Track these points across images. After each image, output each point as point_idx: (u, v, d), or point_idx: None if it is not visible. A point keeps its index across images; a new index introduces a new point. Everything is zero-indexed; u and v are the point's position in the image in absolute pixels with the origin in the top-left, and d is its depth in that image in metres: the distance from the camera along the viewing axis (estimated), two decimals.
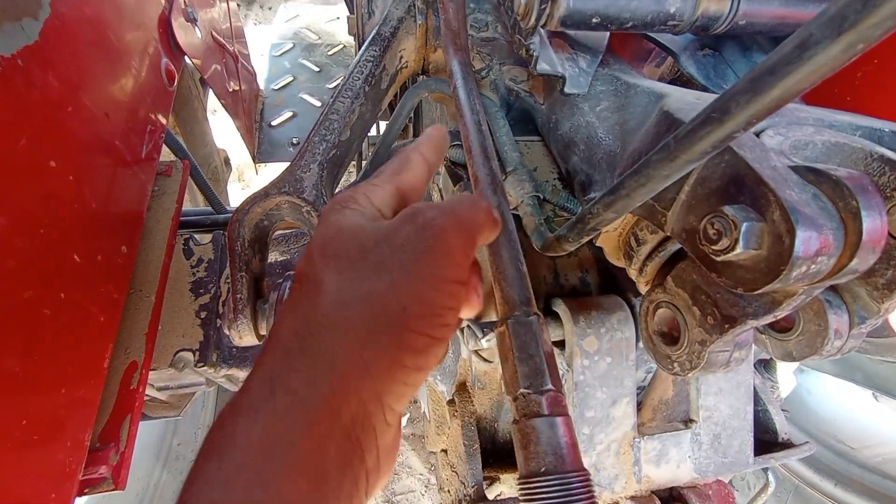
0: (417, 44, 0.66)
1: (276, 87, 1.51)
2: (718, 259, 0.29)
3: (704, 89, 0.54)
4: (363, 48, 0.60)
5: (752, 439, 0.58)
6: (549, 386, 0.35)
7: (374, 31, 0.61)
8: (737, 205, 0.28)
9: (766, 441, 0.64)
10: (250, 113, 1.39)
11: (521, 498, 0.34)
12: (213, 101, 1.44)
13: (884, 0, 0.17)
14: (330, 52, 1.63)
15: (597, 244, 0.51)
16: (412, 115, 1.02)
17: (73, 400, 0.50)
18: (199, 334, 0.69)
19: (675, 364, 0.39)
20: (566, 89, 0.50)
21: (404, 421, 1.75)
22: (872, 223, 0.25)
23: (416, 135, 1.06)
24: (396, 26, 0.62)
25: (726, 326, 0.34)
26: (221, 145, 1.54)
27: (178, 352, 0.67)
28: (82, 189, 0.52)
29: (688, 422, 0.56)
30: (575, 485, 0.32)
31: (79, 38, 0.53)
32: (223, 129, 1.57)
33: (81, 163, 0.52)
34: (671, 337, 0.41)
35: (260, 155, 1.34)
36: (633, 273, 0.48)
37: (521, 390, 0.35)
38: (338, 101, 0.56)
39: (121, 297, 0.60)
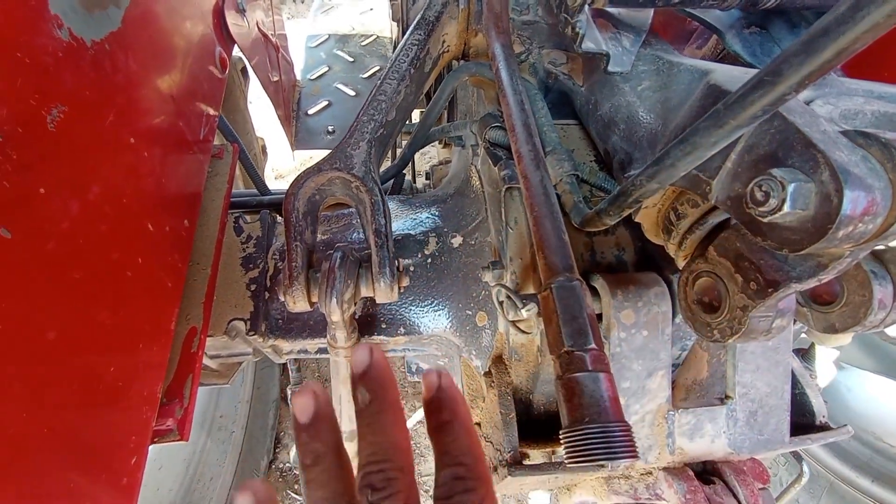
0: (459, 28, 0.68)
1: (312, 78, 1.56)
2: (765, 220, 0.30)
3: (750, 66, 0.54)
4: (409, 32, 0.63)
5: (788, 419, 0.58)
6: (593, 344, 0.37)
7: (420, 16, 0.64)
8: (785, 167, 0.29)
9: (804, 424, 0.64)
10: (289, 102, 1.44)
11: (564, 448, 0.36)
12: (250, 92, 1.51)
13: None
14: (364, 43, 1.67)
15: (636, 220, 0.52)
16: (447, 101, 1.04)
17: (149, 356, 0.55)
18: (249, 305, 0.73)
19: (716, 331, 0.41)
20: (610, 67, 0.51)
21: None
22: None
23: (450, 120, 1.08)
24: (441, 11, 0.65)
25: (770, 291, 0.35)
26: (259, 134, 1.60)
27: (231, 321, 0.72)
28: (155, 165, 0.56)
29: (724, 398, 0.57)
30: (617, 434, 0.34)
31: (151, 26, 0.57)
32: (260, 119, 1.63)
33: (154, 141, 0.56)
34: (711, 306, 0.42)
35: (298, 143, 1.39)
36: (671, 248, 0.49)
37: (566, 348, 0.37)
38: (385, 83, 0.59)
39: (184, 266, 0.65)
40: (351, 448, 0.75)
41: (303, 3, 3.03)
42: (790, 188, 0.28)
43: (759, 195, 0.30)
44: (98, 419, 0.47)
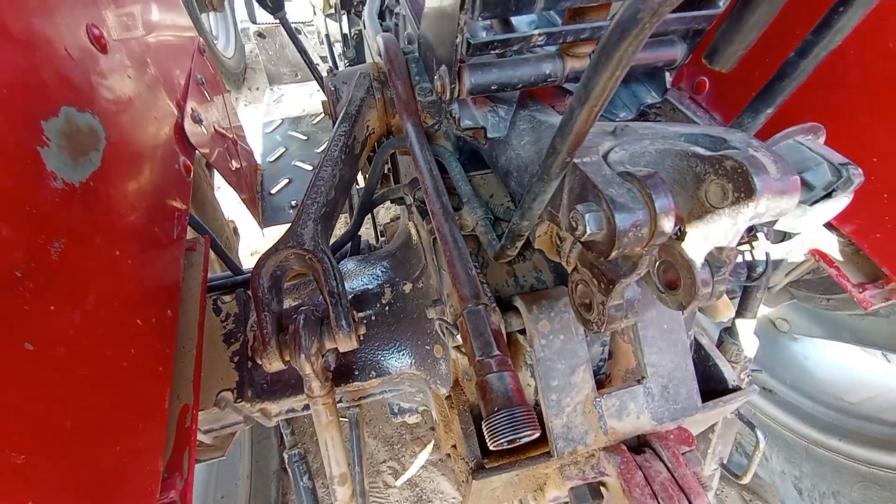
0: (379, 114, 0.84)
1: (272, 160, 1.71)
2: (583, 240, 0.43)
3: (604, 116, 0.70)
4: (336, 125, 0.77)
5: (696, 387, 0.69)
6: (497, 352, 0.48)
7: (344, 111, 0.78)
8: (585, 202, 0.43)
9: (719, 390, 0.75)
10: (252, 186, 1.58)
11: (486, 436, 0.46)
12: (217, 179, 1.64)
13: (591, 90, 0.32)
14: (314, 122, 1.85)
15: (536, 247, 0.65)
16: (390, 164, 1.19)
17: (148, 435, 0.64)
18: (235, 376, 0.82)
19: (594, 325, 0.52)
20: (489, 135, 0.66)
21: (429, 448, 1.84)
22: (661, 202, 0.39)
23: (396, 181, 1.23)
24: (360, 104, 0.80)
25: (611, 286, 0.47)
26: (230, 217, 1.73)
27: (219, 392, 0.81)
28: (138, 269, 0.67)
29: (640, 379, 0.68)
30: (520, 416, 0.45)
31: (124, 157, 0.70)
32: (230, 202, 1.76)
33: (136, 250, 0.68)
34: (588, 306, 0.54)
35: (265, 221, 1.52)
36: (564, 265, 0.61)
37: (477, 358, 0.48)
38: (322, 170, 0.72)
39: (171, 351, 0.74)
40: (340, 492, 0.83)
41: (258, 89, 3.26)
42: (587, 217, 0.41)
43: (573, 223, 0.43)
44: (107, 496, 0.54)
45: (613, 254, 0.41)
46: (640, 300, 0.51)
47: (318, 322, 0.65)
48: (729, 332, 0.97)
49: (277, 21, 1.30)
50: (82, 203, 0.58)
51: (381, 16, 1.14)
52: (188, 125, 1.01)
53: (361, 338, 0.66)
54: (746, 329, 0.97)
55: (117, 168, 0.67)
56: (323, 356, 0.66)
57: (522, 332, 0.66)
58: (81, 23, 0.69)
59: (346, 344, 0.64)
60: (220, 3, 3.09)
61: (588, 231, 0.41)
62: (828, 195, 0.56)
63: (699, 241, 0.47)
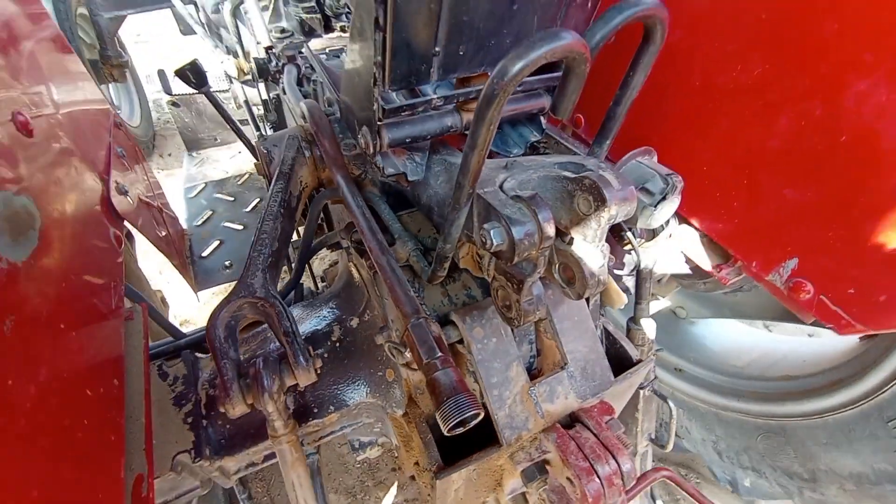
0: (310, 170, 0.93)
1: (199, 224, 1.70)
2: (493, 251, 0.56)
3: (497, 154, 0.86)
4: (272, 184, 0.86)
5: (608, 365, 0.84)
6: (439, 353, 0.58)
7: (277, 171, 0.87)
8: (490, 222, 0.55)
9: (627, 365, 0.91)
10: (181, 251, 1.56)
11: (441, 423, 0.55)
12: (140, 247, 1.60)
13: (476, 139, 0.45)
14: (240, 182, 1.88)
15: (461, 267, 0.77)
16: (323, 215, 1.27)
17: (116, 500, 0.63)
18: (190, 436, 0.82)
19: (515, 321, 0.64)
20: (409, 178, 0.78)
21: (392, 491, 1.82)
22: (543, 214, 0.53)
23: (330, 229, 1.31)
24: (292, 163, 0.89)
25: (520, 286, 0.60)
26: (155, 287, 1.67)
27: (175, 455, 0.80)
28: (82, 342, 0.68)
29: (563, 366, 0.81)
30: (465, 401, 0.54)
31: (59, 234, 0.72)
32: (152, 272, 1.70)
33: (78, 323, 0.69)
34: (509, 306, 0.66)
35: (198, 284, 1.50)
36: (485, 276, 0.74)
37: (424, 361, 0.58)
38: (264, 224, 0.79)
39: (122, 421, 0.74)
40: None
41: (170, 155, 3.18)
42: (492, 233, 0.54)
43: (483, 240, 0.56)
44: None
45: (516, 259, 0.54)
46: (552, 298, 0.64)
47: (276, 362, 0.70)
48: (633, 320, 1.16)
49: (195, 91, 1.36)
50: (27, 280, 0.60)
51: (300, 83, 1.25)
52: (114, 197, 1.02)
53: (318, 371, 0.72)
54: (646, 316, 1.15)
55: (54, 244, 0.69)
56: (285, 394, 0.71)
57: (461, 342, 0.77)
58: (8, 111, 0.72)
59: (306, 377, 0.70)
60: (121, 75, 3.03)
61: (495, 243, 0.54)
62: (663, 198, 0.74)
63: (581, 243, 0.62)
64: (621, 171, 0.78)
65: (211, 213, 1.73)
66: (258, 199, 1.80)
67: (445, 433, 0.54)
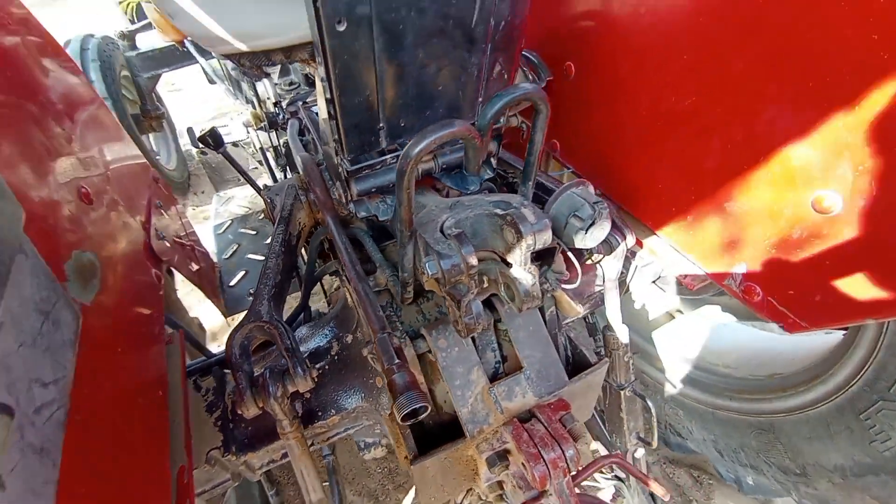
0: (306, 212, 1.12)
1: (227, 257, 1.94)
2: (432, 278, 0.71)
3: (456, 191, 1.02)
4: (275, 227, 1.05)
5: (562, 367, 0.96)
6: (397, 360, 0.74)
7: (279, 215, 1.06)
8: (427, 256, 0.71)
9: (585, 367, 1.03)
10: (213, 282, 1.79)
11: (396, 413, 0.70)
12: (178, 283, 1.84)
13: (400, 198, 0.61)
14: (261, 217, 2.11)
15: (427, 289, 0.92)
16: (329, 244, 1.46)
17: (160, 492, 0.82)
18: (219, 437, 1.01)
19: (461, 332, 0.79)
20: (380, 219, 0.95)
21: (411, 494, 1.96)
22: (465, 249, 0.69)
23: (334, 257, 1.49)
24: (290, 208, 1.08)
25: (458, 304, 0.75)
26: (193, 315, 1.91)
27: (208, 451, 0.98)
28: (135, 362, 0.88)
29: (520, 369, 0.94)
30: (415, 395, 0.70)
31: (114, 278, 0.93)
32: (192, 302, 1.95)
33: (131, 347, 0.89)
34: (456, 321, 0.81)
35: (228, 310, 1.72)
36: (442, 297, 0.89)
37: (385, 367, 0.74)
38: (268, 261, 0.98)
39: (166, 423, 0.93)
40: None
41: (203, 192, 3.51)
42: (428, 265, 0.70)
43: (422, 270, 0.71)
44: None
45: (448, 284, 0.70)
46: (509, 312, 0.79)
47: (280, 373, 0.88)
48: (607, 328, 1.27)
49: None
50: (93, 316, 0.81)
51: (301, 133, 1.46)
52: (154, 242, 1.25)
53: (316, 379, 0.89)
54: (616, 322, 1.27)
55: (110, 287, 0.90)
56: (288, 398, 0.89)
57: (429, 352, 0.92)
58: (74, 187, 0.95)
59: (304, 385, 0.87)
60: (158, 125, 3.40)
61: (430, 273, 0.70)
62: (592, 223, 0.88)
63: (515, 267, 0.77)
64: (557, 200, 0.92)
65: (237, 246, 1.96)
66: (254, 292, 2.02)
67: (400, 421, 0.70)
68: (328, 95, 0.66)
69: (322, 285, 1.79)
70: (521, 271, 0.78)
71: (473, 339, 0.94)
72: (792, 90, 0.89)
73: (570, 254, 0.96)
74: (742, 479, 1.68)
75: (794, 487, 1.47)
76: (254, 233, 2.03)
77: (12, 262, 0.36)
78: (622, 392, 1.38)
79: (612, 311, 1.26)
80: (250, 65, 0.82)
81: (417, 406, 0.69)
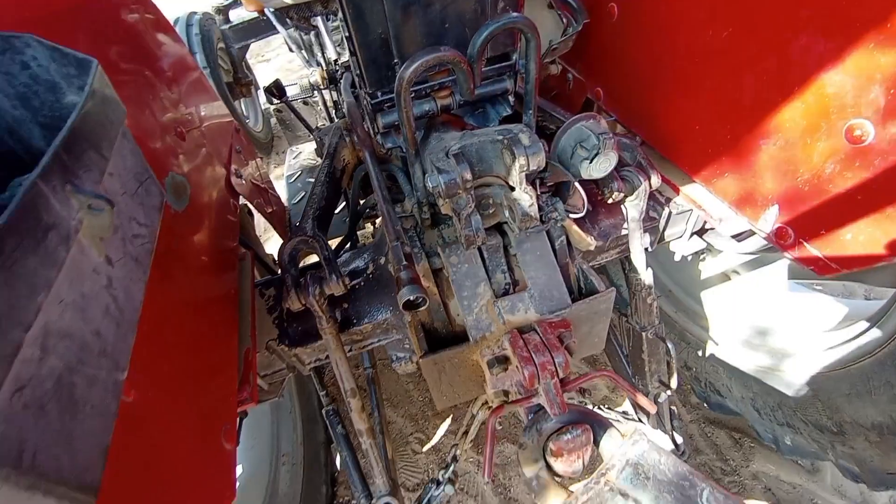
0: (350, 150, 1.28)
1: (295, 202, 2.21)
2: (433, 192, 0.83)
3: (476, 127, 1.11)
4: (322, 161, 1.22)
5: (565, 290, 1.04)
6: (405, 262, 0.88)
7: (325, 152, 1.23)
8: (430, 173, 0.83)
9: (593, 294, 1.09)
10: (283, 221, 2.07)
11: (399, 301, 0.85)
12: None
13: (401, 120, 0.73)
14: None
15: (443, 213, 1.04)
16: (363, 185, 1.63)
17: (233, 362, 1.06)
18: (276, 332, 1.24)
19: (463, 245, 0.91)
20: (404, 150, 1.08)
21: (448, 421, 2.16)
22: (462, 166, 0.79)
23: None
24: (335, 146, 1.25)
25: (459, 217, 0.86)
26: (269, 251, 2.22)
27: (267, 341, 1.23)
28: (218, 262, 1.12)
29: (525, 288, 1.04)
30: (416, 288, 0.83)
31: (201, 198, 1.17)
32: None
33: (214, 251, 1.13)
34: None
35: None
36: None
37: (395, 266, 0.88)
38: (315, 188, 1.16)
39: (237, 316, 1.18)
40: (353, 403, 1.25)
41: (283, 152, 3.90)
42: (429, 179, 0.81)
43: (428, 185, 0.83)
44: (215, 396, 0.96)
45: (448, 197, 0.81)
46: (518, 237, 0.90)
47: (319, 278, 1.07)
48: (631, 269, 1.31)
49: (280, 101, 1.81)
50: (185, 221, 1.04)
51: (354, 86, 1.62)
52: (233, 179, 1.50)
53: (347, 286, 1.07)
54: (640, 264, 1.30)
55: (197, 204, 1.14)
56: (325, 299, 1.08)
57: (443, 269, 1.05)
58: (173, 127, 1.19)
59: (336, 288, 1.06)
60: (248, 91, 3.80)
61: (431, 185, 0.81)
62: (597, 154, 0.93)
63: (517, 189, 0.87)
64: (565, 133, 0.98)
65: (304, 193, 2.22)
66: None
67: (402, 309, 0.84)
68: (346, 33, 0.78)
69: (374, 225, 1.99)
70: (520, 193, 0.88)
71: (483, 260, 1.05)
72: (825, 14, 0.84)
73: (576, 184, 1.02)
74: (780, 438, 1.64)
75: (830, 447, 1.42)
76: None
77: (118, 137, 0.55)
78: (644, 334, 1.42)
79: (636, 253, 1.29)
80: (297, 17, 0.97)
81: (417, 296, 0.83)
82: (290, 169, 2.41)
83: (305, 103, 2.41)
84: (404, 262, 0.87)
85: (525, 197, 0.87)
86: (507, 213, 0.94)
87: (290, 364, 1.30)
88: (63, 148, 0.40)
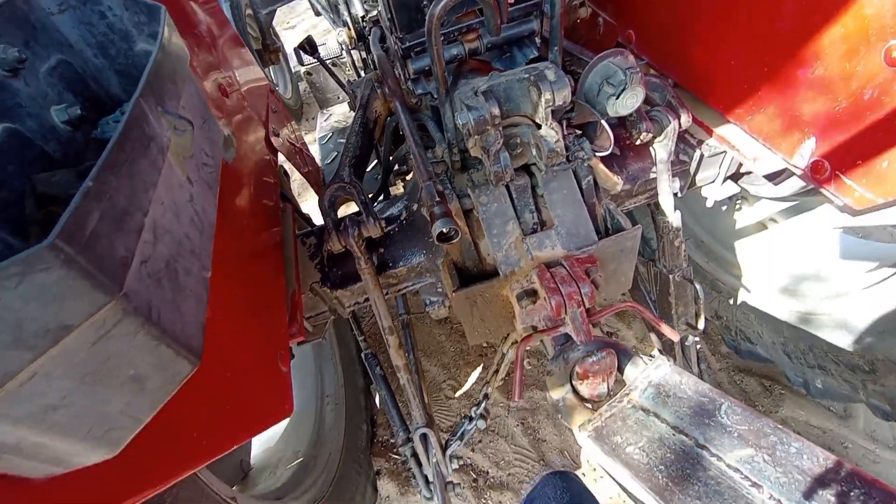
0: (381, 102, 1.33)
1: (328, 162, 2.29)
2: (463, 129, 0.87)
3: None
4: (356, 112, 1.28)
5: (592, 228, 1.08)
6: (437, 198, 0.94)
7: (358, 104, 1.29)
8: (460, 111, 0.87)
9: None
10: (317, 181, 2.16)
11: (434, 232, 0.91)
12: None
13: (430, 54, 0.77)
14: None
15: (473, 155, 1.08)
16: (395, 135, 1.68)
17: (282, 302, 1.17)
18: (318, 275, 1.35)
19: (492, 182, 0.95)
20: (434, 97, 1.11)
21: (478, 369, 2.27)
22: (490, 103, 0.83)
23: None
24: (367, 98, 1.29)
25: (488, 154, 0.90)
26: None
27: (311, 284, 1.33)
28: (265, 211, 1.22)
29: (553, 226, 1.08)
30: (449, 220, 0.89)
31: (245, 151, 1.26)
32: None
33: (260, 200, 1.22)
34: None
35: None
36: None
37: (428, 203, 0.94)
38: (349, 139, 1.22)
39: (282, 261, 1.28)
40: (391, 339, 1.36)
41: (313, 119, 3.97)
42: (459, 116, 0.85)
43: (458, 122, 0.87)
44: (270, 326, 1.07)
45: (477, 134, 0.85)
46: (545, 177, 0.94)
47: (357, 221, 1.15)
48: (659, 212, 1.33)
49: (312, 59, 1.86)
50: (233, 171, 1.13)
51: (382, 40, 1.64)
52: (272, 138, 1.58)
53: (383, 228, 1.14)
54: (668, 206, 1.31)
55: (242, 155, 1.22)
56: (363, 241, 1.16)
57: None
58: (217, 83, 1.26)
59: (374, 230, 1.13)
60: (276, 58, 3.85)
61: (462, 122, 0.86)
62: (623, 89, 0.94)
63: (543, 126, 0.90)
64: (592, 70, 0.99)
65: (336, 154, 2.29)
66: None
67: (435, 241, 0.91)
68: None
69: (404, 186, 2.05)
70: (546, 129, 0.91)
71: (512, 200, 1.09)
72: None
73: (603, 122, 1.03)
74: (811, 381, 1.65)
75: (861, 386, 1.43)
76: None
77: (185, 79, 0.62)
78: (672, 276, 1.44)
79: (664, 195, 1.30)
80: None
81: (449, 228, 0.89)
82: (322, 131, 2.48)
83: (334, 65, 2.44)
84: (437, 199, 0.93)
85: (551, 133, 0.90)
86: (533, 152, 0.97)
87: (331, 307, 1.40)
88: (152, 75, 0.47)
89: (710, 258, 2.00)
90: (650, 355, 1.64)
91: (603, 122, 1.03)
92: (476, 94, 0.87)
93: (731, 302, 1.92)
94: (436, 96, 1.13)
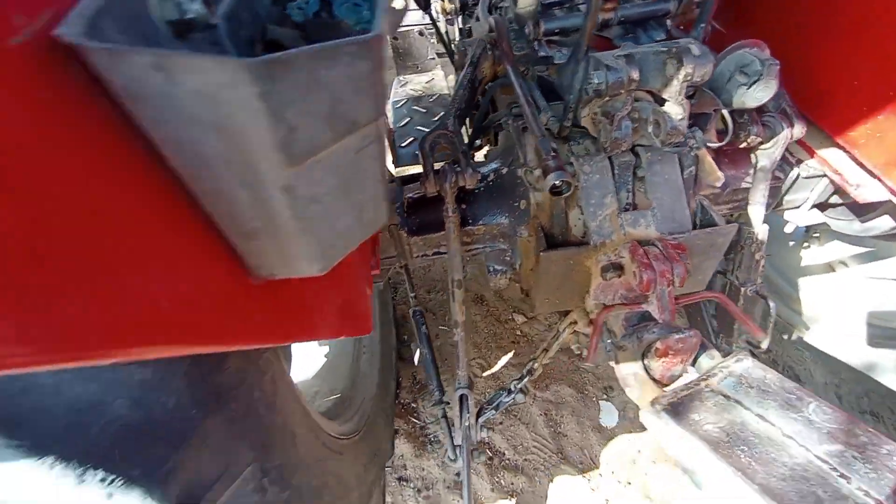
0: (489, 64, 1.35)
1: (401, 125, 2.33)
2: (594, 88, 0.88)
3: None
4: (465, 68, 1.30)
5: (688, 215, 1.07)
6: (552, 153, 0.95)
7: (468, 61, 1.31)
8: (597, 70, 0.88)
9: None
10: (390, 142, 2.21)
11: (547, 186, 0.93)
12: None
13: (585, 24, 0.79)
14: (431, 100, 2.45)
15: (582, 125, 1.09)
16: (491, 101, 1.70)
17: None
18: (397, 219, 1.38)
19: (607, 148, 0.96)
20: (556, 61, 1.13)
21: (509, 355, 2.28)
22: (630, 66, 0.84)
23: (494, 110, 1.71)
24: (479, 56, 1.32)
25: (612, 119, 0.91)
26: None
27: (389, 225, 1.37)
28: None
29: (650, 208, 1.08)
30: (563, 173, 0.91)
31: None
32: None
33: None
34: (604, 142, 0.98)
35: (397, 163, 2.13)
36: (592, 129, 1.06)
37: (543, 157, 0.96)
38: (458, 91, 1.25)
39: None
40: (458, 293, 1.37)
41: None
42: (598, 74, 0.87)
43: (590, 80, 0.89)
44: (361, 255, 1.10)
45: (610, 94, 0.86)
46: (650, 159, 0.94)
47: (454, 170, 1.17)
48: (745, 221, 1.32)
49: (409, 27, 1.89)
50: None
51: (490, 10, 1.66)
52: None
53: (479, 180, 1.16)
54: (757, 217, 1.30)
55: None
56: (456, 189, 1.18)
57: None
58: None
59: (470, 181, 1.15)
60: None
61: (598, 81, 0.87)
62: (757, 80, 0.93)
63: (669, 103, 0.91)
64: (726, 58, 0.99)
65: (409, 119, 2.34)
66: (442, 113, 2.33)
67: (548, 192, 0.93)
68: None
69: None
70: (674, 105, 0.91)
71: (613, 175, 1.10)
72: None
73: (725, 112, 1.03)
74: None
75: None
76: (423, 111, 2.37)
77: None
78: (743, 290, 1.43)
79: (756, 205, 1.29)
80: None
81: (563, 180, 0.90)
82: (397, 96, 2.53)
83: (421, 34, 2.48)
84: (552, 154, 0.94)
85: (678, 109, 0.91)
86: (650, 129, 0.98)
87: (401, 252, 1.43)
88: None
89: (769, 289, 1.97)
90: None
91: (725, 112, 1.03)
92: (616, 57, 0.88)
93: (785, 337, 1.88)
94: (556, 62, 1.15)
